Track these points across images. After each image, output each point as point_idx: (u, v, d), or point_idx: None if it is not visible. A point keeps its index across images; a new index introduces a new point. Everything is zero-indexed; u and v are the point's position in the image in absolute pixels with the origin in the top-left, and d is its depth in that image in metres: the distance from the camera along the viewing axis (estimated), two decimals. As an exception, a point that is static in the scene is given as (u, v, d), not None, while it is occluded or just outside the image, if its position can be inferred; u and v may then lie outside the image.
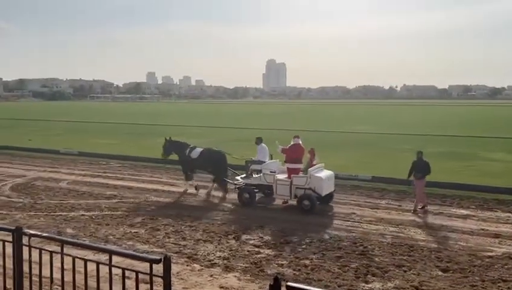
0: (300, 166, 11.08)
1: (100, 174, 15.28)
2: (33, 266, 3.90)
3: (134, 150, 19.98)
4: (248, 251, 7.68)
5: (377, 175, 13.98)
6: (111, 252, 3.50)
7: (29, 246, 3.91)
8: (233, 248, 7.84)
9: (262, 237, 8.46)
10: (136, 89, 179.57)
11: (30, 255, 3.90)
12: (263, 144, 12.22)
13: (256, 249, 7.79)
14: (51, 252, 3.78)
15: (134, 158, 18.04)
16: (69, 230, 8.86)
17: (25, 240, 3.96)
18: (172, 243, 8.12)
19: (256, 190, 11.37)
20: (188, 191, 12.58)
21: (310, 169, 10.86)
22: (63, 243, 3.75)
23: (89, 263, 3.63)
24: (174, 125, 35.69)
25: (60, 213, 10.16)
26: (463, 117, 52.16)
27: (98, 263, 3.55)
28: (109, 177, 14.76)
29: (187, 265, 7.01)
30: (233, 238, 8.42)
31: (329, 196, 11.22)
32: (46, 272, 3.81)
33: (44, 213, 10.14)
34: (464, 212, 10.49)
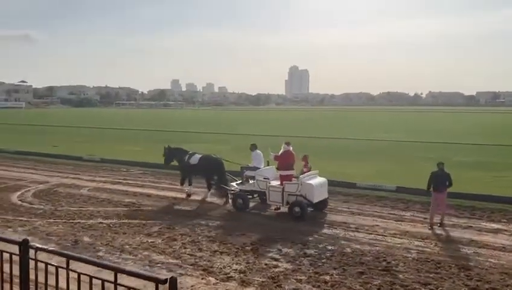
0: (293, 172, 11.15)
1: (120, 181, 15.32)
2: (41, 275, 3.77)
3: (156, 157, 19.97)
4: (265, 264, 7.42)
5: (402, 185, 13.50)
6: (116, 270, 3.33)
7: (36, 260, 3.79)
8: (250, 261, 7.59)
9: (280, 250, 8.18)
10: (160, 96, 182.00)
11: (36, 269, 3.77)
12: (258, 151, 12.46)
13: (274, 263, 7.52)
14: (57, 267, 3.64)
15: (155, 165, 17.99)
16: (86, 238, 8.80)
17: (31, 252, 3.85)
18: (188, 254, 7.94)
19: (250, 196, 11.52)
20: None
21: (301, 176, 10.92)
22: (68, 258, 3.60)
23: (94, 280, 3.47)
24: (197, 132, 35.78)
25: (78, 221, 10.14)
26: (491, 125, 50.52)
27: (103, 281, 3.39)
28: (129, 184, 14.77)
29: (202, 278, 6.81)
30: (251, 250, 8.17)
31: (323, 203, 11.20)
32: (52, 285, 3.68)
33: (63, 220, 10.14)
34: (495, 226, 9.96)
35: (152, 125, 45.29)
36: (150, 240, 8.72)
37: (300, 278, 6.88)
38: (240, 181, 12.10)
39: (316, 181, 10.93)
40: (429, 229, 9.78)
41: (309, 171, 11.37)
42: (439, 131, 39.70)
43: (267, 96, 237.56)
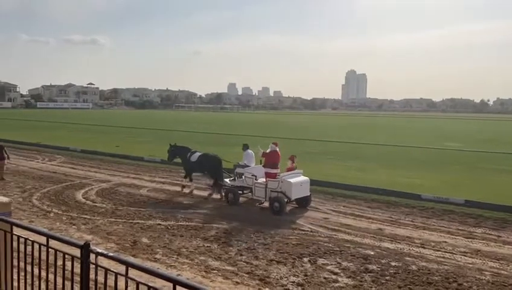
0: (277, 171, 12.05)
1: (179, 182, 15.49)
2: (101, 274, 3.73)
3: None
4: (324, 278, 7.06)
5: (471, 199, 12.53)
6: (175, 282, 3.18)
7: (96, 265, 3.75)
8: (308, 273, 7.26)
9: (340, 263, 7.77)
10: (217, 99, 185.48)
11: (96, 275, 3.72)
12: (249, 150, 13.38)
13: (334, 277, 7.14)
14: (116, 274, 3.57)
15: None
16: (144, 239, 8.90)
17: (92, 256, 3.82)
18: (244, 262, 7.75)
19: (240, 192, 12.52)
20: (186, 191, 13.66)
21: (282, 174, 11.85)
22: (127, 265, 3.51)
23: (152, 290, 3.35)
24: (251, 136, 35.86)
25: (137, 221, 10.32)
26: None
27: (160, 292, 3.26)
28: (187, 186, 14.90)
29: (258, 289, 6.58)
30: (309, 261, 7.84)
31: (305, 200, 11.95)
32: (111, 286, 3.64)
33: (123, 220, 10.36)
34: None
35: (209, 128, 46.04)
36: (206, 245, 8.65)
37: (362, 295, 6.46)
38: (233, 178, 13.07)
39: (296, 179, 11.66)
40: None
41: (293, 170, 12.17)
42: (509, 141, 36.97)
43: (322, 101, 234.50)
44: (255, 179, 12.13)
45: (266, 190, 11.72)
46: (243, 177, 12.48)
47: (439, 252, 8.60)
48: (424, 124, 68.09)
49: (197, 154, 13.97)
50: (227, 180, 13.26)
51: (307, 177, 12.08)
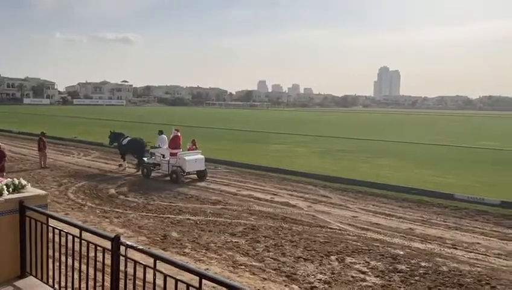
0: (178, 151, 15.39)
1: (208, 178, 15.69)
2: (130, 272, 3.84)
3: (242, 156, 20.25)
4: (352, 277, 7.00)
5: (508, 200, 12.10)
6: (201, 276, 3.24)
7: (126, 257, 3.87)
8: (336, 271, 7.22)
9: (368, 262, 7.69)
10: (247, 96, 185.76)
11: (126, 267, 3.84)
12: (163, 135, 16.56)
13: (362, 276, 7.07)
14: (145, 266, 3.67)
15: (240, 164, 18.25)
16: (174, 234, 9.08)
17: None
18: (271, 258, 7.79)
19: (152, 168, 15.82)
20: (121, 169, 16.82)
21: (180, 153, 15.28)
22: (156, 259, 3.61)
23: (179, 283, 3.43)
24: (280, 133, 35.79)
25: (168, 215, 10.53)
26: None
27: (188, 285, 3.33)
28: (216, 182, 15.07)
29: (285, 285, 6.61)
30: (336, 259, 7.79)
31: (202, 173, 15.31)
32: (140, 277, 3.75)
33: (154, 214, 10.60)
34: None
35: (238, 125, 46.23)
36: (234, 240, 8.74)
37: (391, 295, 6.37)
38: (148, 157, 16.45)
39: (190, 157, 15.05)
40: None
41: (192, 150, 15.73)
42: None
43: (354, 98, 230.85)
44: (162, 158, 15.50)
45: (169, 165, 15.07)
46: (155, 156, 15.93)
47: (472, 254, 8.37)
48: (459, 122, 66.02)
49: (127, 138, 17.26)
50: (144, 158, 16.38)
51: (202, 156, 15.43)
